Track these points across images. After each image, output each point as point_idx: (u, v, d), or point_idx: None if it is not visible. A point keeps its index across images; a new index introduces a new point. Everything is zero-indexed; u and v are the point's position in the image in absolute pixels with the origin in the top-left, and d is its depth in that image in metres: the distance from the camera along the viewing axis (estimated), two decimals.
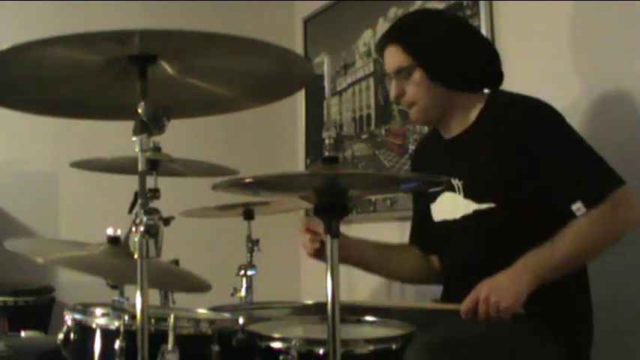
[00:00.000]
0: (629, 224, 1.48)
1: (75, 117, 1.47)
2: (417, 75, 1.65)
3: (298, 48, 3.46)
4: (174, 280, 1.78)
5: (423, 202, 1.82)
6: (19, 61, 1.11)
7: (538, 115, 1.57)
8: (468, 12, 2.36)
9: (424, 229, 1.87)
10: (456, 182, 1.65)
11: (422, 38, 1.66)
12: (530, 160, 1.53)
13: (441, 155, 1.76)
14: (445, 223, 1.71)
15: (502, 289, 1.43)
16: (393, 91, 1.72)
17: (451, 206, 1.66)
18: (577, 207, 1.46)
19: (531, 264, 1.45)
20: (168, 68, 1.22)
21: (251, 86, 1.33)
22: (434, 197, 1.74)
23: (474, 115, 1.67)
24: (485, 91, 1.71)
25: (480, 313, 1.43)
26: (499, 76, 1.71)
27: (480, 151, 1.62)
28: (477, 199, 1.60)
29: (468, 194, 1.62)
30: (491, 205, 1.57)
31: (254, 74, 1.27)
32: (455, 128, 1.71)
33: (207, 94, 1.33)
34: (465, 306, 1.45)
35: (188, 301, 1.78)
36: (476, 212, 1.60)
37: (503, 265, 1.47)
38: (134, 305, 1.15)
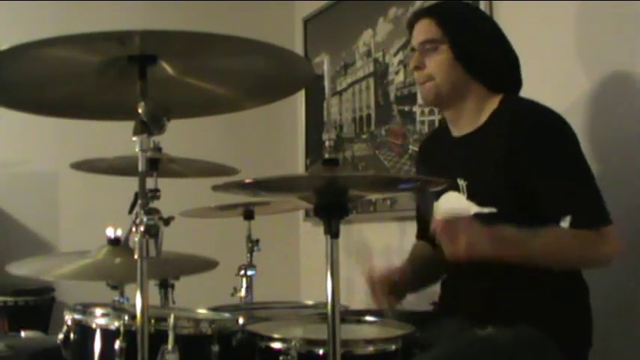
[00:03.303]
0: (606, 259, 1.50)
1: (75, 117, 1.47)
2: (443, 50, 1.65)
3: (298, 48, 3.46)
4: (179, 265, 1.78)
5: (427, 200, 1.80)
6: (19, 61, 1.11)
7: (550, 127, 1.55)
8: None
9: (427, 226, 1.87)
10: (461, 182, 1.63)
11: (457, 18, 1.70)
12: (534, 171, 1.52)
13: (449, 153, 1.74)
14: None
15: (475, 237, 1.41)
16: (412, 62, 1.70)
17: (455, 206, 1.66)
18: (565, 223, 1.46)
19: (506, 241, 1.43)
20: (168, 68, 1.22)
21: (251, 86, 1.33)
22: (438, 196, 1.73)
23: (485, 114, 1.65)
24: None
25: (445, 232, 1.43)
26: (517, 85, 1.72)
27: (488, 153, 1.60)
28: (480, 202, 1.58)
29: (471, 196, 1.61)
30: (493, 209, 1.56)
31: (254, 74, 1.27)
32: (465, 126, 1.69)
33: (207, 94, 1.32)
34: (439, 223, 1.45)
35: (188, 300, 1.78)
36: (476, 216, 1.58)
37: (501, 270, 1.47)
38: (134, 305, 1.15)
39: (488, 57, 1.66)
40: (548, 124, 1.56)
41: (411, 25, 1.74)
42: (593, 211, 1.49)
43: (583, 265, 1.54)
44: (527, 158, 1.52)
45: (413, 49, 1.72)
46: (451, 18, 1.69)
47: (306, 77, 1.34)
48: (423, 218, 1.87)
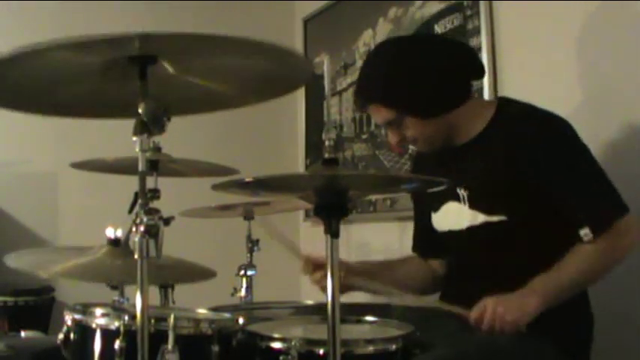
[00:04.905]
0: (629, 250, 1.50)
1: (77, 116, 1.47)
2: (408, 120, 1.62)
3: (298, 48, 3.45)
4: (178, 272, 1.78)
5: (424, 210, 1.80)
6: (20, 66, 1.11)
7: (552, 131, 1.54)
8: (468, 12, 2.36)
9: (425, 237, 1.86)
10: (461, 192, 1.62)
11: (396, 87, 1.60)
12: (542, 176, 1.51)
13: (446, 162, 1.70)
14: (451, 234, 1.69)
15: (510, 304, 1.44)
16: (392, 140, 1.68)
17: (456, 217, 1.64)
18: (585, 232, 1.46)
19: (539, 288, 1.46)
20: (168, 67, 1.22)
21: (251, 84, 1.33)
22: (437, 207, 1.71)
23: (481, 123, 1.63)
24: (486, 97, 1.69)
25: (485, 322, 1.43)
26: (480, 69, 1.69)
27: (490, 161, 1.58)
28: (487, 211, 1.57)
29: (475, 205, 1.59)
30: (503, 217, 1.55)
31: (254, 72, 1.27)
32: (461, 137, 1.66)
33: (207, 91, 1.32)
34: (473, 314, 1.46)
35: (188, 301, 1.78)
36: (486, 224, 1.57)
37: (511, 277, 1.47)
38: (134, 305, 1.15)
39: (447, 90, 1.60)
40: (545, 127, 1.55)
41: (361, 109, 1.74)
42: (608, 208, 1.49)
43: (613, 267, 1.52)
44: (530, 164, 1.51)
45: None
46: (392, 94, 1.60)
47: (306, 75, 1.33)
48: (422, 229, 1.87)
